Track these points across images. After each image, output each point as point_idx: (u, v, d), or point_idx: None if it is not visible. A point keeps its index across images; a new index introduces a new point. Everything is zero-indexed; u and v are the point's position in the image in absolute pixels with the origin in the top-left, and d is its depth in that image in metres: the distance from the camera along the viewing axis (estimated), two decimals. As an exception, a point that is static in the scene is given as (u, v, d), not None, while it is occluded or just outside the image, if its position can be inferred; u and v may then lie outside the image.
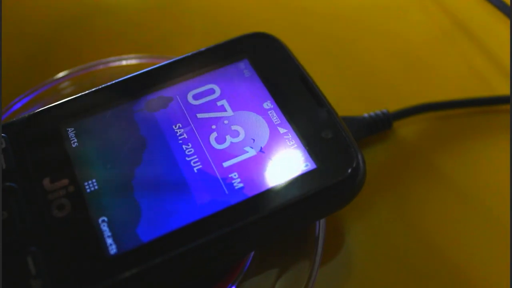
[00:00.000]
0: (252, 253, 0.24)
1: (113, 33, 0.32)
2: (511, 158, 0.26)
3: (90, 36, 0.32)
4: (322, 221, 0.24)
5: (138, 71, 0.24)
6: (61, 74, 0.28)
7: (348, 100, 0.27)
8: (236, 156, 0.22)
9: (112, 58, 0.28)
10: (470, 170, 0.27)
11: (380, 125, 0.27)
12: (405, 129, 0.28)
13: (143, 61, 0.28)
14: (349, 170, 0.21)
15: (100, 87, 0.23)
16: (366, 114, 0.27)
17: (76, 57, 0.30)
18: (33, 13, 0.33)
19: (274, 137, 0.22)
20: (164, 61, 0.25)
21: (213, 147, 0.22)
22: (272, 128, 0.22)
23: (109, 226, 0.20)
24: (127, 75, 0.24)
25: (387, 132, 0.28)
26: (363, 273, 0.24)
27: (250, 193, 0.21)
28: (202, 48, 0.25)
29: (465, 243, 0.25)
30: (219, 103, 0.23)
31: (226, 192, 0.21)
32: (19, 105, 0.27)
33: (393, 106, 0.28)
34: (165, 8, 0.33)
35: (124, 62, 0.28)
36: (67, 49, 0.31)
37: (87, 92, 0.23)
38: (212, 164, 0.21)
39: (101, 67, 0.28)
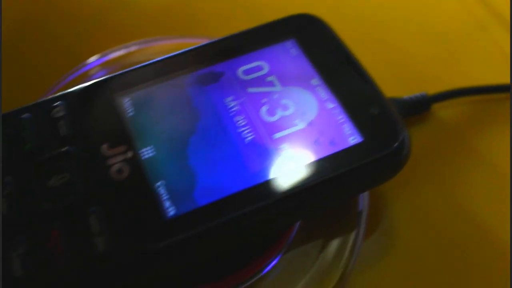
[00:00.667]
0: (298, 224, 0.24)
1: (158, 14, 0.33)
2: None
3: (137, 15, 0.33)
4: (366, 195, 0.25)
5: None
6: (94, 59, 0.30)
7: (387, 83, 0.28)
8: (286, 129, 0.23)
9: (161, 36, 0.29)
10: (506, 151, 0.28)
11: (419, 107, 0.28)
12: (443, 111, 0.29)
13: (188, 40, 0.29)
14: (395, 144, 0.22)
15: (154, 60, 0.24)
16: (405, 96, 0.28)
17: (125, 35, 0.31)
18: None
19: (322, 112, 0.23)
20: (209, 40, 0.26)
21: (263, 120, 0.23)
22: (320, 103, 0.23)
23: (167, 190, 0.21)
24: (179, 50, 0.25)
25: (425, 114, 0.29)
26: (405, 248, 0.25)
27: (301, 163, 0.22)
28: (250, 28, 0.26)
29: (502, 219, 0.25)
30: (268, 79, 0.24)
31: (277, 161, 0.22)
32: (71, 77, 0.28)
33: (431, 90, 0.29)
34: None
35: (173, 41, 0.29)
36: (117, 27, 0.32)
37: (141, 65, 0.24)
38: (263, 135, 0.22)
39: (150, 44, 0.29)
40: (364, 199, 0.25)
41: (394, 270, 0.25)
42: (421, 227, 0.25)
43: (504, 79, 0.30)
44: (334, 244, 0.24)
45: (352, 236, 0.24)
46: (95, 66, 0.29)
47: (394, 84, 0.29)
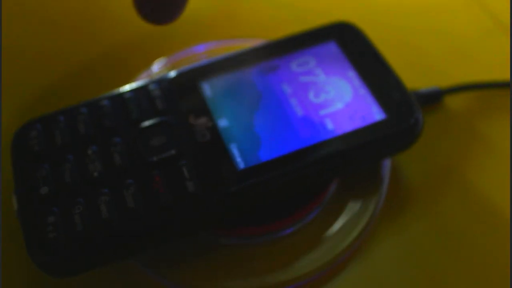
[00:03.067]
0: (334, 186, 0.31)
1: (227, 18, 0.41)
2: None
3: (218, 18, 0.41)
4: (388, 166, 0.31)
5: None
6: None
7: (406, 78, 0.34)
8: (328, 107, 0.30)
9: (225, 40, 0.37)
10: (507, 138, 0.34)
11: (432, 98, 0.35)
12: (453, 103, 0.35)
13: (250, 42, 0.36)
14: (411, 121, 0.29)
15: (226, 56, 0.32)
16: (422, 89, 0.35)
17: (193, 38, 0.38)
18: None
19: (356, 96, 0.30)
20: (266, 42, 0.33)
21: (311, 101, 0.30)
22: (355, 89, 0.30)
23: (238, 150, 0.28)
24: (245, 49, 0.32)
25: (438, 105, 0.35)
26: (419, 209, 0.31)
27: (339, 132, 0.29)
28: (300, 31, 0.33)
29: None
30: (315, 71, 0.31)
31: (321, 131, 0.29)
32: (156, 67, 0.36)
33: (443, 84, 0.35)
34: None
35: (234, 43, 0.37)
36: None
37: (216, 58, 0.31)
38: (311, 112, 0.29)
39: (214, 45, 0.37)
40: (386, 168, 0.31)
41: (411, 226, 0.31)
42: (433, 194, 0.32)
43: (506, 76, 0.36)
44: (360, 203, 0.31)
45: (375, 197, 0.31)
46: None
47: (411, 78, 0.35)
